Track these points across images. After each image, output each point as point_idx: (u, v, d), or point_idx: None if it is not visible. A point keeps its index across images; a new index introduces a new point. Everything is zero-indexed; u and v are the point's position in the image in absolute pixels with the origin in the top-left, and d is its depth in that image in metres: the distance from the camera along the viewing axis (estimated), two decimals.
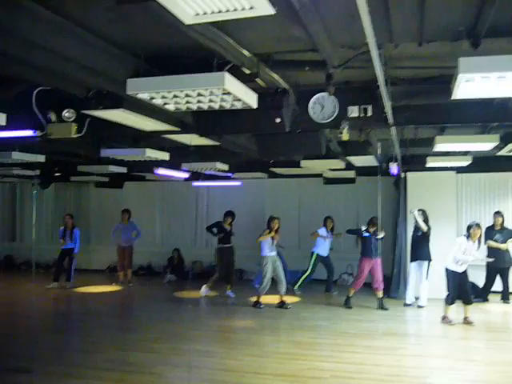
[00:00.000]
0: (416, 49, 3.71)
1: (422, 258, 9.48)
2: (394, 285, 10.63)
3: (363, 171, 10.10)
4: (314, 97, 4.91)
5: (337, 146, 7.09)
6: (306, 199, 12.71)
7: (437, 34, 3.40)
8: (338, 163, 8.25)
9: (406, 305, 9.61)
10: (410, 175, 10.54)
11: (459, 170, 10.05)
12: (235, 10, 2.24)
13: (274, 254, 9.61)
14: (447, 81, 3.70)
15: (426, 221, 9.44)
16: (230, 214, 10.82)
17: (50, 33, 2.93)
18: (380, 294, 9.32)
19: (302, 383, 5.58)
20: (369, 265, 9.31)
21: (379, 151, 7.59)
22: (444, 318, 8.13)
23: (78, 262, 12.40)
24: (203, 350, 6.93)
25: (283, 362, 6.29)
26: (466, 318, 8.03)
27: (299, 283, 10.95)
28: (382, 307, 9.25)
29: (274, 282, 9.55)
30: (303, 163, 8.38)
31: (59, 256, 11.73)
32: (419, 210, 9.48)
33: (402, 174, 10.42)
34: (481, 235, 8.04)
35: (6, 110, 4.74)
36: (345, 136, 5.19)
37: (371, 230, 9.39)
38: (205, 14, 2.28)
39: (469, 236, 7.96)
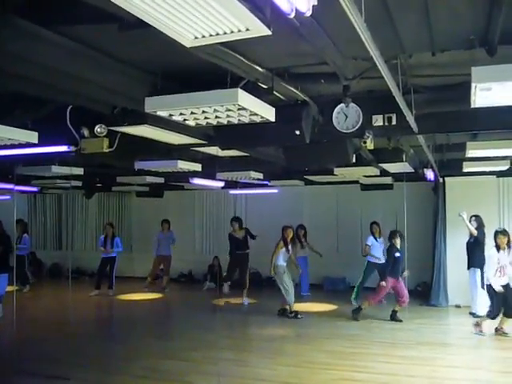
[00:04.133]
0: (434, 57, 3.67)
1: (473, 265, 9.16)
2: (433, 292, 10.41)
3: (401, 177, 9.95)
4: (338, 107, 4.89)
5: (368, 153, 7.03)
6: (344, 206, 12.63)
7: (449, 43, 3.36)
8: (372, 170, 8.17)
9: (471, 313, 9.09)
10: (448, 180, 10.33)
11: (499, 174, 9.76)
12: (232, 32, 2.29)
13: (285, 263, 9.54)
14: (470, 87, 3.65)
15: (479, 227, 9.19)
16: (234, 220, 10.80)
17: (68, 58, 3.07)
18: (398, 307, 9.01)
19: None
20: (393, 284, 9.00)
21: (412, 158, 7.47)
22: (477, 327, 7.91)
23: (121, 269, 12.75)
24: (236, 358, 6.99)
25: (316, 371, 6.28)
26: (500, 329, 7.79)
27: (354, 294, 10.45)
28: (394, 318, 8.96)
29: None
30: (337, 171, 8.34)
31: (100, 264, 12.12)
32: (473, 216, 9.26)
33: (441, 179, 10.21)
34: (509, 241, 7.76)
35: (40, 128, 4.92)
36: (369, 145, 5.15)
37: (397, 241, 9.07)
38: (203, 37, 2.35)
39: (497, 246, 7.73)
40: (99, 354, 7.32)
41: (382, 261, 10.02)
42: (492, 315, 7.74)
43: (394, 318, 8.99)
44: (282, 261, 9.47)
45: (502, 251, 7.72)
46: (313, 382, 5.91)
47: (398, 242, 9.07)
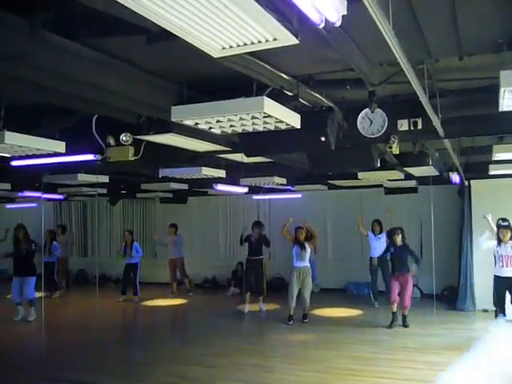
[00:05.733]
0: (461, 61, 3.64)
1: None
2: (461, 296, 10.27)
3: (425, 180, 9.85)
4: (363, 112, 4.86)
5: (393, 157, 6.98)
6: (368, 210, 12.52)
7: (476, 48, 3.33)
8: (396, 174, 8.11)
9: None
10: (474, 183, 10.20)
11: None
12: (259, 42, 2.30)
13: (301, 265, 9.45)
14: (497, 90, 3.62)
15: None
16: (255, 224, 10.81)
17: (94, 69, 3.12)
18: (406, 311, 8.90)
19: None
20: (395, 280, 8.93)
21: (437, 161, 7.39)
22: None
23: (145, 275, 12.87)
24: (263, 364, 6.97)
25: (342, 377, 6.24)
26: None
27: (372, 297, 10.93)
28: (403, 323, 8.85)
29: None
30: (361, 175, 8.30)
31: (124, 271, 12.32)
32: (501, 219, 9.13)
33: (466, 182, 10.09)
34: None
35: (67, 138, 5.00)
36: (394, 150, 5.12)
37: (396, 239, 9.00)
38: (231, 47, 2.36)
39: (498, 240, 7.78)
40: (125, 360, 7.38)
41: (378, 254, 10.40)
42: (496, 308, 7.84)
43: (403, 322, 8.88)
44: (295, 261, 9.47)
45: (503, 245, 7.76)
46: None
47: (397, 239, 9.00)
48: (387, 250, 9.29)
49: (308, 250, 9.50)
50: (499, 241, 7.85)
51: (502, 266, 7.81)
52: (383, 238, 10.62)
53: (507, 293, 7.84)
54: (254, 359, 7.18)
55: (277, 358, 7.41)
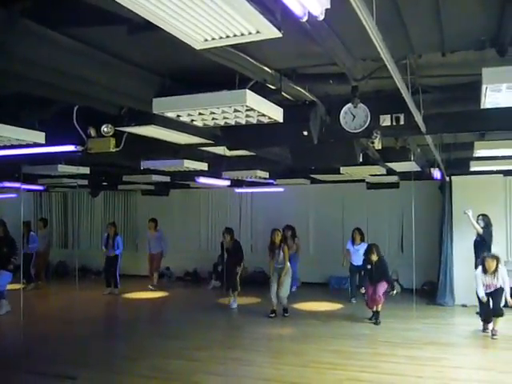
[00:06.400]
0: (444, 57, 3.65)
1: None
2: (440, 291, 10.38)
3: (407, 176, 9.91)
4: (345, 107, 4.85)
5: (375, 152, 7.01)
6: (350, 204, 12.60)
7: (459, 44, 3.34)
8: (378, 169, 8.14)
9: (478, 313, 8.74)
10: (455, 179, 10.29)
11: (506, 173, 9.72)
12: (242, 34, 2.27)
13: (278, 266, 9.48)
14: (479, 87, 3.63)
15: (486, 226, 9.16)
16: (227, 231, 10.76)
17: (74, 59, 3.06)
18: (377, 307, 8.94)
19: None
20: (371, 289, 8.99)
21: (419, 157, 7.43)
22: (485, 330, 7.96)
23: (126, 267, 12.81)
24: (243, 358, 6.98)
25: (322, 371, 6.28)
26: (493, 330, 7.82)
27: (349, 294, 11.03)
28: (375, 320, 8.90)
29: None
30: (343, 170, 8.30)
31: (105, 263, 12.28)
32: (481, 215, 9.23)
33: (447, 178, 10.17)
34: (497, 265, 7.74)
35: (47, 128, 4.92)
36: (377, 145, 5.13)
37: (372, 257, 9.00)
38: (213, 39, 2.33)
39: (484, 269, 7.76)
40: (105, 353, 7.34)
41: (357, 264, 10.44)
42: (482, 318, 7.94)
43: (375, 319, 8.92)
44: (274, 263, 9.50)
45: (488, 275, 7.74)
46: (319, 382, 5.90)
47: (372, 256, 8.97)
48: (364, 264, 9.28)
49: (281, 253, 9.44)
50: (484, 270, 7.80)
51: (486, 290, 7.83)
52: (362, 249, 10.50)
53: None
54: (234, 353, 7.19)
55: (257, 352, 7.42)
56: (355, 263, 10.71)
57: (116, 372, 6.36)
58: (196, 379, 6.10)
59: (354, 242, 10.94)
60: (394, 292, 9.24)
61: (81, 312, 9.53)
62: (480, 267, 7.89)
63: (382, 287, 8.86)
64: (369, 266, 9.02)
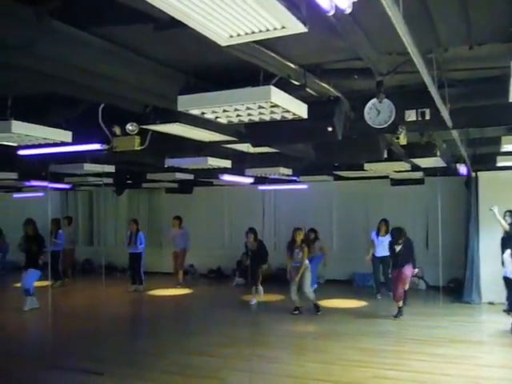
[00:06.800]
0: (471, 50, 3.59)
1: None
2: (467, 289, 10.25)
3: (432, 172, 9.79)
4: (370, 102, 4.81)
5: (400, 148, 6.93)
6: (374, 201, 12.51)
7: (487, 37, 3.28)
8: (403, 165, 8.05)
9: (505, 311, 8.80)
10: (481, 175, 10.14)
11: None
12: (268, 30, 2.27)
13: (296, 265, 9.43)
14: (507, 81, 3.58)
15: None
16: (250, 231, 10.79)
17: (100, 58, 3.10)
18: (398, 303, 8.92)
19: None
20: (397, 274, 9.00)
21: (444, 152, 7.34)
22: None
23: (150, 265, 12.94)
24: (268, 355, 6.99)
25: (348, 369, 6.25)
26: None
27: (374, 290, 11.02)
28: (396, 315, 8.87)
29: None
30: (367, 166, 8.23)
31: (129, 261, 12.41)
32: (508, 211, 9.10)
33: (473, 174, 10.03)
34: None
35: (73, 127, 4.98)
36: (402, 140, 5.08)
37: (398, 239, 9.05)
38: (238, 35, 2.33)
39: None
40: (131, 350, 7.42)
41: (381, 255, 10.62)
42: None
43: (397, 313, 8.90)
44: (292, 262, 9.49)
45: None
46: (345, 380, 5.87)
47: (399, 239, 8.99)
48: (391, 247, 9.28)
49: (300, 253, 9.41)
50: None
51: None
52: (387, 240, 10.54)
53: None
54: (259, 349, 7.19)
55: (282, 349, 7.43)
56: (378, 254, 10.76)
57: (141, 368, 6.41)
58: (221, 375, 6.13)
59: (378, 233, 10.95)
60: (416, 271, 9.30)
61: (107, 309, 9.66)
62: (509, 251, 7.73)
63: (409, 270, 8.87)
64: (396, 248, 8.98)
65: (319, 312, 9.33)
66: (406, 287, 8.97)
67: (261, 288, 10.52)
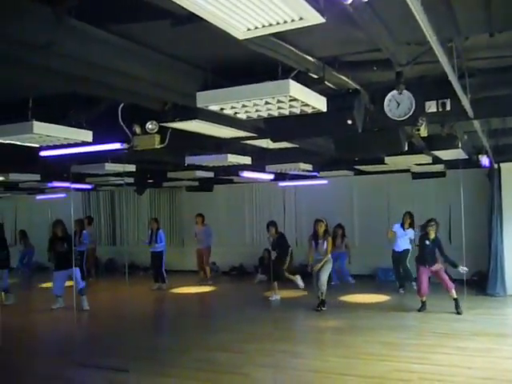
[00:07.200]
0: (491, 38, 3.54)
1: None
2: (491, 281, 10.13)
3: (453, 164, 9.68)
4: (390, 94, 4.78)
5: (420, 140, 6.87)
6: (395, 195, 12.42)
7: (507, 24, 3.23)
8: (424, 158, 7.98)
9: None
10: (504, 166, 10.00)
11: None
12: (285, 22, 2.26)
13: (319, 257, 9.34)
14: None
15: None
16: (271, 223, 10.80)
17: (119, 56, 3.13)
18: (453, 294, 8.72)
19: None
20: (424, 271, 8.84)
21: (466, 144, 7.25)
22: None
23: (172, 263, 13.04)
24: (290, 350, 6.99)
25: (370, 363, 6.22)
26: None
27: (398, 284, 10.96)
28: (456, 310, 8.65)
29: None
30: (387, 160, 8.18)
31: (151, 259, 12.52)
32: None
33: (495, 166, 9.89)
34: None
35: (93, 127, 5.04)
36: (423, 132, 5.03)
37: (430, 231, 8.91)
38: (256, 28, 2.33)
39: None
40: (154, 347, 7.48)
41: (403, 248, 10.58)
42: None
43: (456, 307, 8.69)
44: (315, 255, 9.42)
45: None
46: (368, 374, 5.84)
47: (431, 231, 8.88)
48: (420, 242, 9.15)
49: (324, 244, 9.36)
50: None
51: None
52: (410, 233, 10.54)
53: None
54: (281, 345, 7.19)
55: (305, 344, 7.43)
56: (398, 249, 10.72)
57: (166, 364, 6.47)
58: (245, 371, 6.14)
59: (403, 225, 10.85)
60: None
61: (130, 307, 9.76)
62: None
63: (443, 272, 8.78)
64: (427, 242, 8.87)
65: (324, 308, 9.23)
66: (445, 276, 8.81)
67: (299, 281, 10.44)
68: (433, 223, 8.92)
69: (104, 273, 14.95)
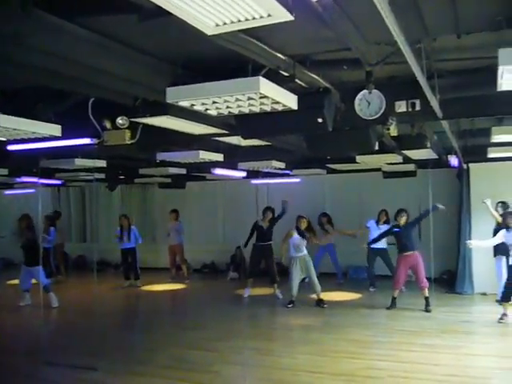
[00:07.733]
0: (459, 40, 3.59)
1: (500, 252, 8.86)
2: (459, 280, 10.31)
3: (424, 164, 9.81)
4: (360, 93, 4.82)
5: (391, 140, 6.94)
6: (367, 194, 12.52)
7: (475, 26, 3.28)
8: (394, 157, 8.07)
9: (497, 301, 8.53)
10: (473, 166, 10.17)
11: None
12: (254, 18, 2.26)
13: (301, 254, 9.37)
14: (496, 70, 3.58)
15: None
16: (268, 209, 10.68)
17: (89, 50, 3.08)
18: (425, 292, 8.83)
19: (358, 383, 5.54)
20: (404, 261, 8.97)
21: (435, 144, 7.35)
22: (502, 317, 7.80)
23: (145, 260, 12.93)
24: (261, 347, 7.01)
25: (339, 360, 6.27)
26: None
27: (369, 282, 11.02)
28: (426, 308, 8.77)
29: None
30: (359, 158, 8.25)
31: (122, 256, 12.36)
32: (500, 202, 9.15)
33: (465, 166, 10.06)
34: None
35: (62, 122, 4.95)
36: (393, 132, 5.09)
37: (400, 220, 9.16)
38: (225, 24, 2.32)
39: (507, 226, 7.68)
40: (126, 345, 7.41)
41: (380, 246, 10.46)
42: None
43: (425, 306, 8.81)
44: (293, 252, 9.41)
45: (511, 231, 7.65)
46: (336, 371, 5.89)
47: (402, 220, 9.14)
48: (388, 232, 9.29)
49: (305, 241, 9.40)
50: (507, 227, 7.69)
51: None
52: (384, 229, 10.61)
53: None
54: (253, 342, 7.21)
55: (275, 341, 7.45)
56: (375, 246, 10.62)
57: (136, 363, 6.41)
58: (215, 369, 6.13)
59: (378, 222, 10.95)
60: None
61: (101, 305, 9.66)
62: (504, 230, 7.78)
63: (421, 266, 8.86)
64: (399, 229, 9.04)
65: (325, 305, 9.31)
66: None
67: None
68: (403, 214, 9.18)
69: (74, 270, 14.73)
